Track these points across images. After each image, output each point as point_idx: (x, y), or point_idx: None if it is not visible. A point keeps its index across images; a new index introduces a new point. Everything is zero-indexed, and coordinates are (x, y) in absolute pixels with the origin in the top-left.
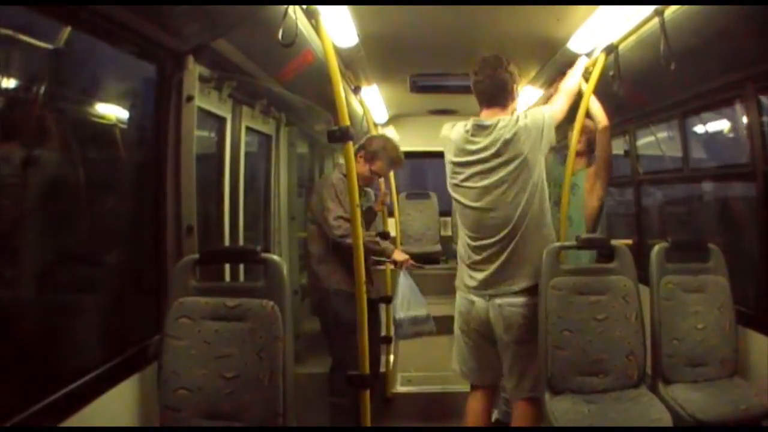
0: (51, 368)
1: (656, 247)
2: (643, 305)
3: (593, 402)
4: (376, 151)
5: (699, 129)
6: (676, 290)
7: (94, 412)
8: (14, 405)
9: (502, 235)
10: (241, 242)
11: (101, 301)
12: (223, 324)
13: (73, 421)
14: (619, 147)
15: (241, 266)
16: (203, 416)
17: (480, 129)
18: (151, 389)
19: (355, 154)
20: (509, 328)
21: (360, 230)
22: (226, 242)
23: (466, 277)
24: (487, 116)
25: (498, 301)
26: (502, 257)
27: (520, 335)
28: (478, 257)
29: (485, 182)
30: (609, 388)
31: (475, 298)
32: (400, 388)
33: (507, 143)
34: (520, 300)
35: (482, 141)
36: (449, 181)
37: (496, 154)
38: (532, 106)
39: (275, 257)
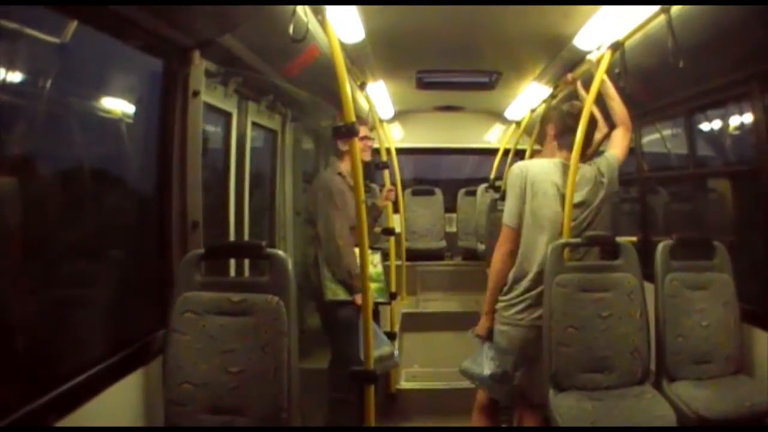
0: (56, 362)
1: (661, 245)
2: (648, 302)
3: (597, 399)
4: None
5: (704, 126)
6: (680, 287)
7: (98, 406)
8: (21, 398)
9: None
10: (246, 237)
11: (106, 296)
12: (228, 319)
13: (78, 415)
14: None
15: (246, 261)
16: (207, 411)
17: (566, 167)
18: (156, 383)
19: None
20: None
21: (365, 226)
22: (231, 237)
23: (525, 310)
24: (566, 157)
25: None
26: None
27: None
28: (540, 289)
29: (571, 219)
30: (613, 385)
31: (532, 327)
32: (405, 384)
33: (589, 184)
34: None
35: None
36: (527, 210)
37: (582, 194)
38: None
39: (280, 252)
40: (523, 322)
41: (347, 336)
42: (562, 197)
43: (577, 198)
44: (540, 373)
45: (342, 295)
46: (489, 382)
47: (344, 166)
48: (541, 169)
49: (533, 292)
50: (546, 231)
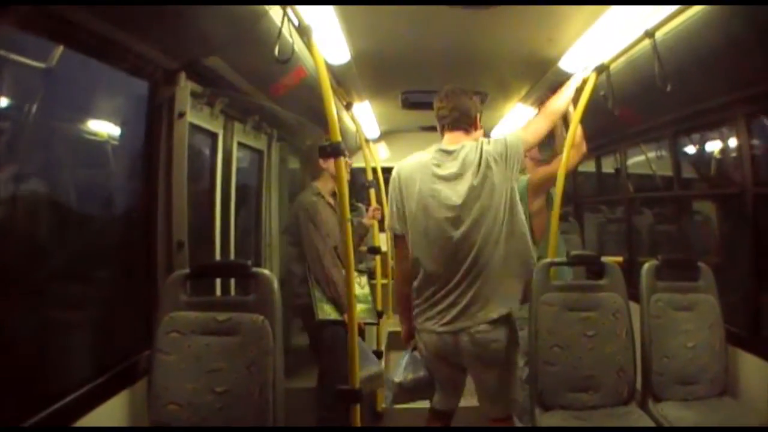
0: (40, 384)
1: (646, 265)
2: (634, 322)
3: (583, 418)
4: (313, 146)
5: (690, 149)
6: (666, 308)
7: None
8: (4, 421)
9: (471, 265)
10: (232, 257)
11: (92, 317)
12: (214, 338)
13: None
14: (609, 165)
15: (232, 281)
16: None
17: (445, 154)
18: (141, 405)
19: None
20: (481, 354)
21: (351, 245)
22: (217, 257)
23: (433, 317)
24: (450, 141)
25: (470, 331)
26: (474, 288)
27: (491, 361)
28: (444, 291)
29: (455, 210)
30: (599, 405)
31: (445, 335)
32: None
33: (471, 167)
34: (492, 327)
35: (449, 167)
36: (407, 214)
37: (464, 180)
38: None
39: (266, 272)
40: (435, 328)
41: (337, 355)
42: (438, 180)
43: (453, 194)
44: (491, 385)
45: (333, 314)
46: (396, 390)
47: (321, 185)
48: (412, 168)
49: (434, 299)
50: (429, 234)
